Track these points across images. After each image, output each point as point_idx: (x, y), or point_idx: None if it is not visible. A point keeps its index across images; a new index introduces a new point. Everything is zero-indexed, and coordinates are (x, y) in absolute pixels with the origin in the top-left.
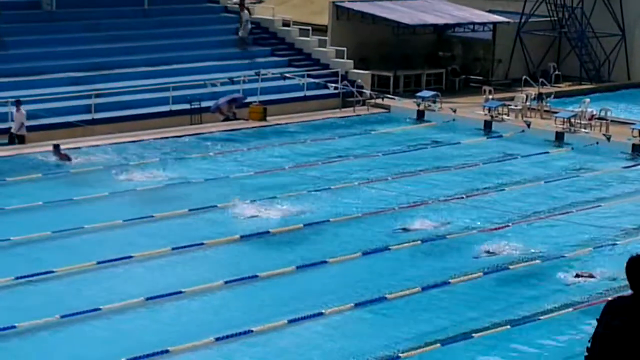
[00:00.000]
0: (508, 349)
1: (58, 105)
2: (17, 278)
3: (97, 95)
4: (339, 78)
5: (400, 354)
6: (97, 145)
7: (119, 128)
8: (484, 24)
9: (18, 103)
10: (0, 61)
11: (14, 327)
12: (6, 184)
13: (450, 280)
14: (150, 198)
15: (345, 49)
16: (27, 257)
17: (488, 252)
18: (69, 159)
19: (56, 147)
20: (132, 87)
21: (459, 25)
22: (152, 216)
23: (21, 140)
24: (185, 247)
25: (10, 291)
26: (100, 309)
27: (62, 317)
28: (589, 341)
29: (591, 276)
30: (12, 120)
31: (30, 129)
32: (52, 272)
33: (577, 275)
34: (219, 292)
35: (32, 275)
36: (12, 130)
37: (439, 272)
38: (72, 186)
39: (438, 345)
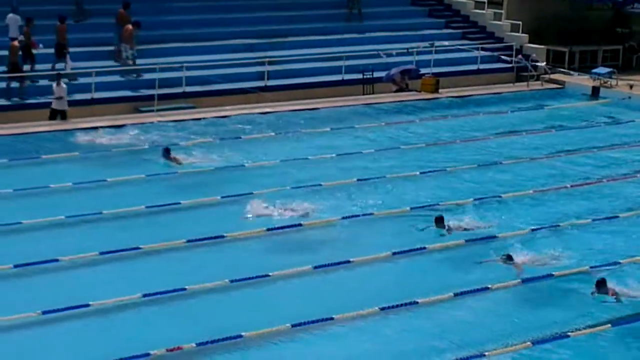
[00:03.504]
0: None
1: (231, 71)
2: (188, 241)
3: (270, 63)
4: (513, 52)
5: (569, 333)
6: (269, 112)
7: (290, 96)
8: None
9: (59, 76)
10: (176, 26)
11: (184, 289)
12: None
13: (620, 261)
14: (319, 167)
15: (520, 22)
16: (194, 220)
17: None
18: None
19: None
20: (305, 55)
21: (638, 1)
22: (320, 184)
23: (63, 115)
24: (354, 216)
25: (183, 254)
26: (269, 276)
27: (231, 281)
28: None
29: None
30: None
31: (204, 94)
32: (223, 236)
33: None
34: (386, 263)
35: (204, 239)
36: (53, 106)
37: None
38: (244, 152)
39: (608, 325)
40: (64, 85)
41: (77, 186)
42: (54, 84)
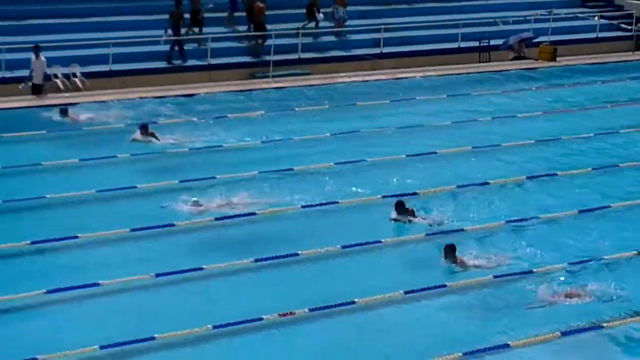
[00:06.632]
0: None
1: (347, 38)
2: (303, 207)
3: (386, 30)
4: (634, 20)
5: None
6: (384, 80)
7: (405, 63)
8: None
9: (37, 49)
10: None
11: (297, 254)
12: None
13: None
14: (434, 134)
15: None
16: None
17: None
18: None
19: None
20: (421, 22)
21: None
22: (435, 152)
23: (38, 90)
24: (468, 185)
25: (296, 217)
26: (380, 242)
27: (343, 247)
28: None
29: None
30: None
31: (319, 61)
32: (336, 202)
33: None
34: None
35: (317, 205)
36: (35, 81)
37: None
38: (360, 119)
39: None
40: (43, 59)
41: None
42: (33, 57)
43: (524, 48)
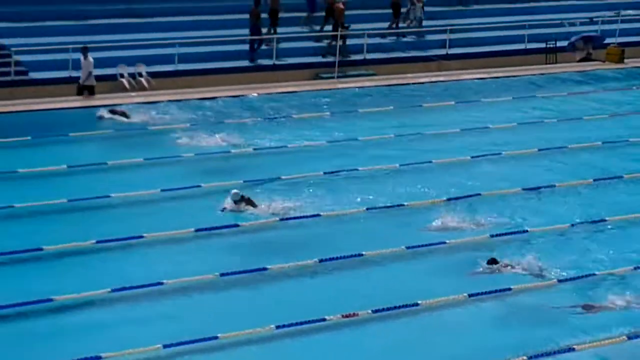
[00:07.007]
0: None
1: (412, 39)
2: (367, 209)
3: (452, 31)
4: None
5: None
6: (449, 81)
7: (471, 64)
8: None
9: (85, 50)
10: None
11: (361, 255)
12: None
13: None
14: (499, 136)
15: None
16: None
17: None
18: (126, 115)
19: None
20: (487, 23)
21: None
22: (500, 153)
23: (91, 91)
24: (534, 188)
25: (361, 218)
26: (445, 243)
27: (407, 248)
28: None
29: None
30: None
31: (384, 61)
32: (402, 205)
33: None
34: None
35: (382, 207)
36: (80, 81)
37: None
38: (424, 120)
39: None
40: (91, 60)
41: None
42: (82, 58)
43: (591, 49)
